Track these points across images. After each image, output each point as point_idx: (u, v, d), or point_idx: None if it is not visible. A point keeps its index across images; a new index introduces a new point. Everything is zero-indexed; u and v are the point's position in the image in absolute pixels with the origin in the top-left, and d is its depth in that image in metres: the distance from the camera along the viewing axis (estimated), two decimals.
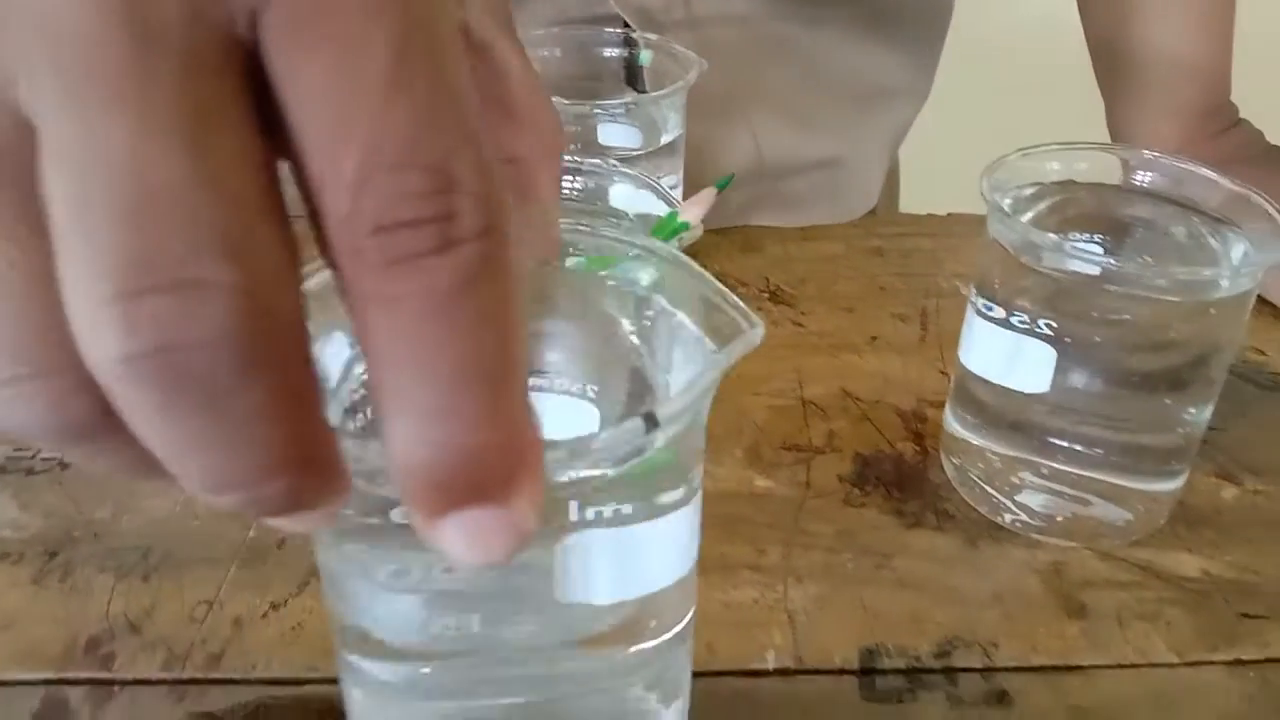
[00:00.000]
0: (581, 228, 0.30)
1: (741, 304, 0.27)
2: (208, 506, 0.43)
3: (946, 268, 0.58)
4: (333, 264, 0.17)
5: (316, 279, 0.22)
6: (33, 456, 0.45)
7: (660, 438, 0.24)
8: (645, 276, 0.30)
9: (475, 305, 0.17)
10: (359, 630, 0.27)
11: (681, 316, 0.29)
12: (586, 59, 0.56)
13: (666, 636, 0.29)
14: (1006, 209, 0.40)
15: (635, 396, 0.30)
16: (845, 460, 0.46)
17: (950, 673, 0.37)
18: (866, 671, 0.37)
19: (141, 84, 0.16)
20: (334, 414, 0.27)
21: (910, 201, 0.79)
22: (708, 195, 0.44)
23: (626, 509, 0.26)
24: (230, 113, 0.17)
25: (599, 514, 0.26)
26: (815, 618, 0.39)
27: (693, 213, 0.41)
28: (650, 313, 0.30)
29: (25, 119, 0.16)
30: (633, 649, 0.29)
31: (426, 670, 0.28)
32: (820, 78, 0.67)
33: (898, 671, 0.37)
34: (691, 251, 0.58)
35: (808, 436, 0.47)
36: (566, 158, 0.42)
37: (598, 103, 0.50)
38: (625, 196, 0.42)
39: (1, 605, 0.39)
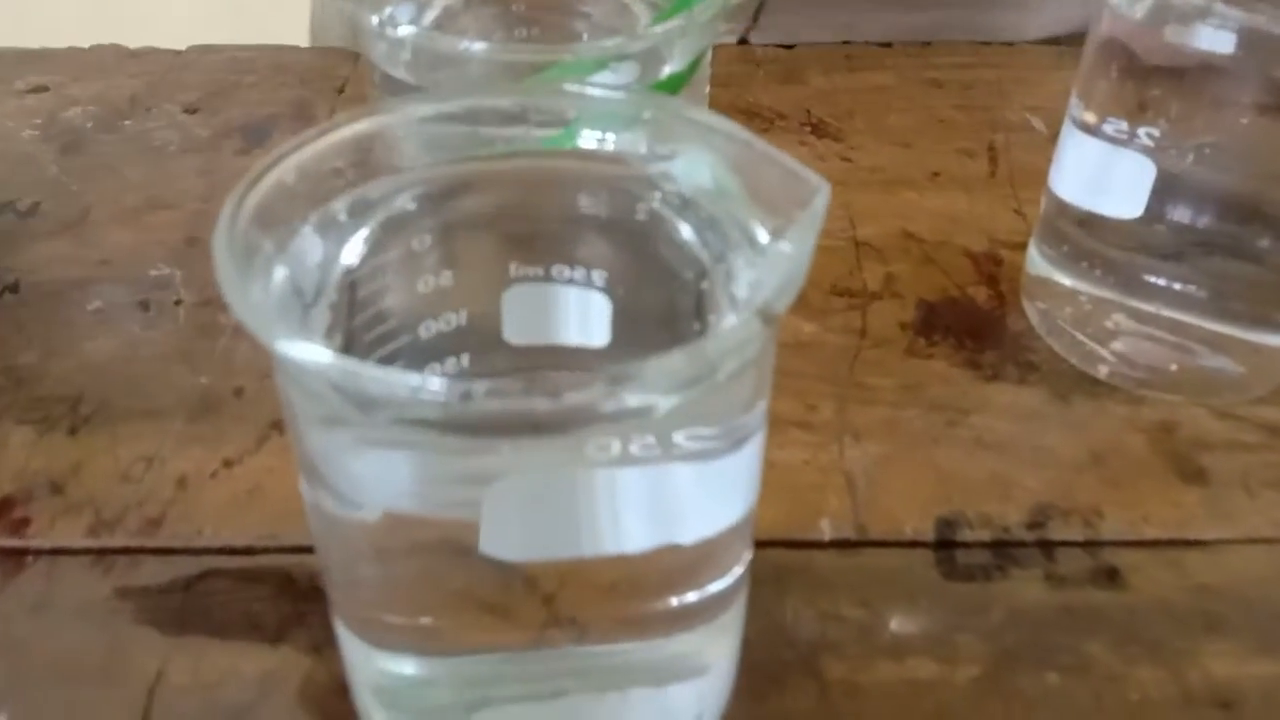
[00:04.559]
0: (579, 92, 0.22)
1: (790, 159, 0.20)
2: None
3: (1015, 100, 0.50)
4: None
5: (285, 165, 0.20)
6: None
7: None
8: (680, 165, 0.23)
9: None
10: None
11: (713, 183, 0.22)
12: None
13: (717, 587, 0.23)
14: None
15: (655, 283, 0.23)
16: (907, 306, 0.39)
17: (1046, 546, 0.31)
18: (944, 544, 0.30)
19: None
20: (311, 334, 0.20)
21: None
22: None
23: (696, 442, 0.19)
24: None
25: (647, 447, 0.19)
26: (878, 482, 0.32)
27: None
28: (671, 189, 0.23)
29: None
30: (675, 601, 0.22)
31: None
32: None
33: (983, 545, 0.31)
34: (725, 58, 0.50)
35: (862, 280, 0.40)
36: None
37: None
38: None
39: None
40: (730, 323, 0.20)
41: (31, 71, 0.51)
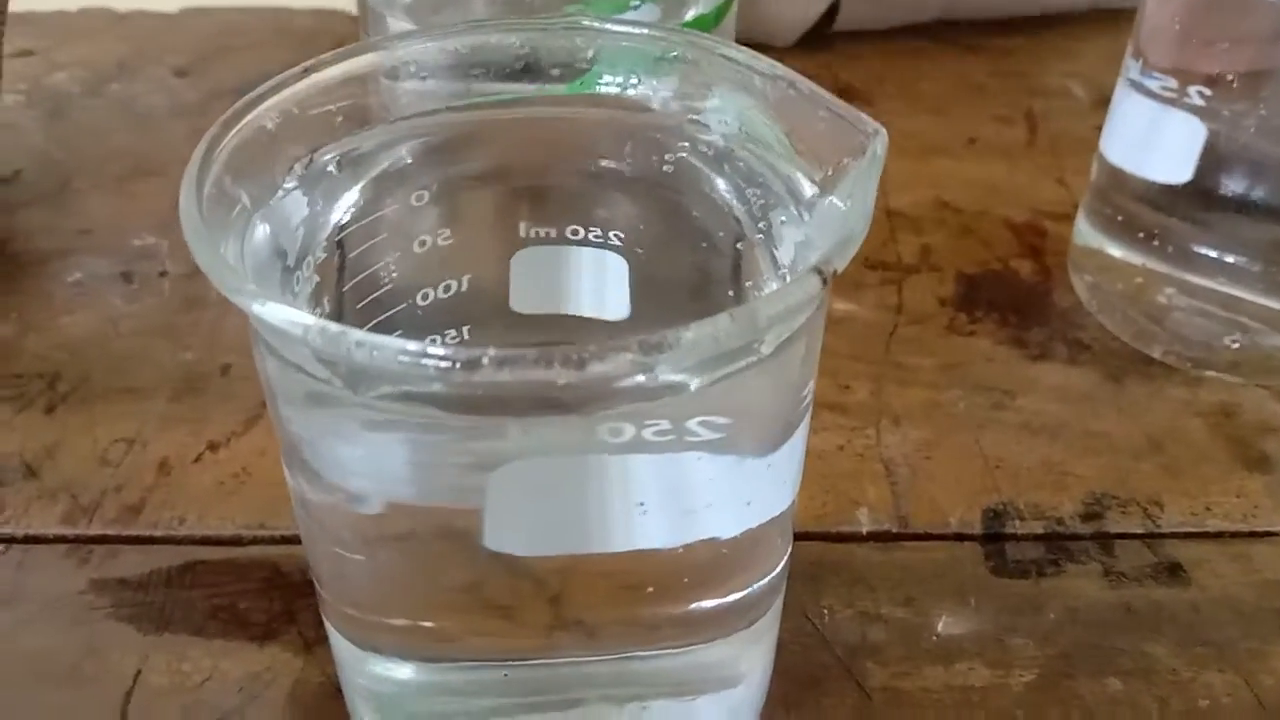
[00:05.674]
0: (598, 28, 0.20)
1: (839, 102, 0.18)
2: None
3: (1052, 66, 0.47)
4: None
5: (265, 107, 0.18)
6: None
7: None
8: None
9: None
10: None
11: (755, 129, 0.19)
12: None
13: (751, 591, 0.20)
14: None
15: (684, 246, 0.21)
16: (946, 280, 0.36)
17: (1104, 539, 0.28)
18: (993, 537, 0.28)
19: None
20: (295, 299, 0.18)
21: None
22: None
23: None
24: None
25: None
26: (920, 469, 0.30)
27: None
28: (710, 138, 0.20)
29: None
30: (701, 605, 0.20)
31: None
32: None
33: (1034, 538, 0.28)
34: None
35: (896, 252, 0.37)
36: None
37: None
38: None
39: None
40: (777, 286, 0.17)
41: (16, 36, 0.49)
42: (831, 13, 0.47)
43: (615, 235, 0.21)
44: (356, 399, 0.16)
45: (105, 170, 0.40)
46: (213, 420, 0.30)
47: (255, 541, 0.27)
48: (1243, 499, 0.29)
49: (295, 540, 0.27)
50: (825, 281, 0.15)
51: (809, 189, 0.18)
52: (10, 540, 0.27)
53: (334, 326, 0.13)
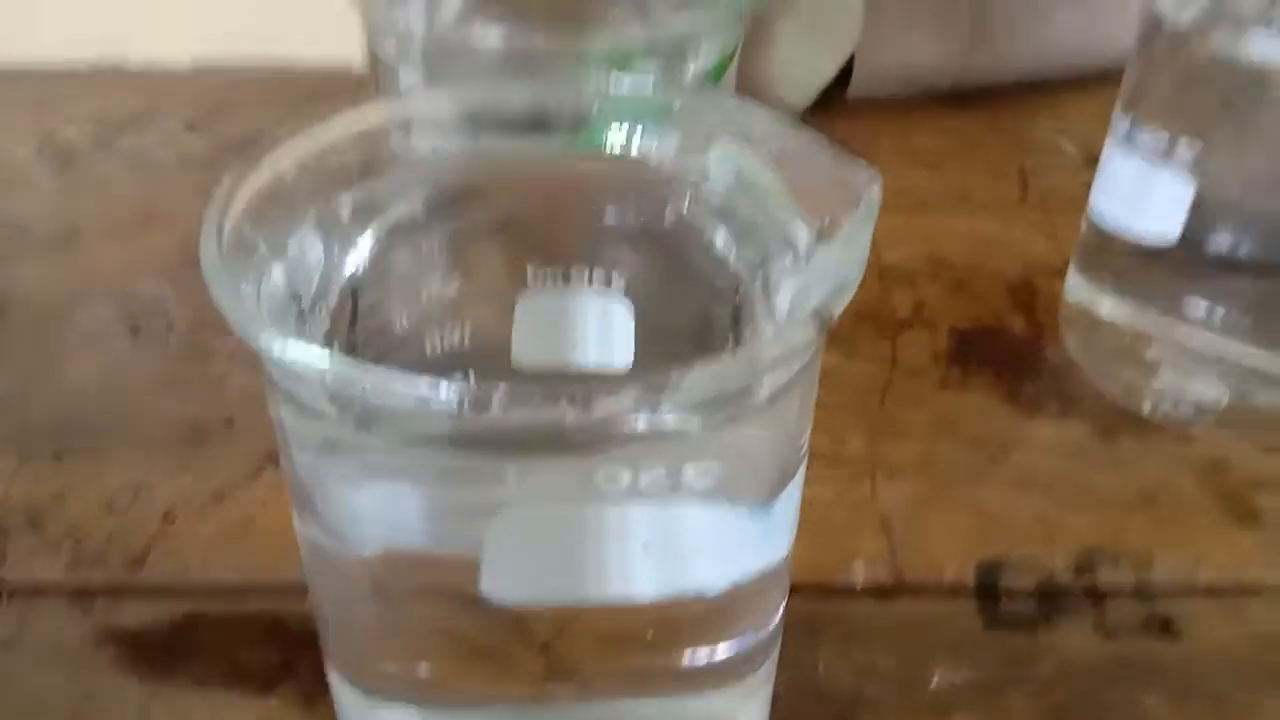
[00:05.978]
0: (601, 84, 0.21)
1: (838, 149, 0.18)
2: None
3: (1043, 122, 0.48)
4: None
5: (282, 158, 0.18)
6: None
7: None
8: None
9: None
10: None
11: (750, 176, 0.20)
12: None
13: (746, 642, 0.20)
14: None
15: (685, 297, 0.22)
16: (939, 335, 0.37)
17: (1095, 594, 0.28)
18: (987, 592, 0.28)
19: None
20: (310, 337, 0.18)
21: None
22: None
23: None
24: None
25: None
26: (915, 522, 0.30)
27: None
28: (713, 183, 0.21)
29: None
30: (697, 656, 0.20)
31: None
32: None
33: (1027, 593, 0.28)
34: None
35: (890, 307, 0.38)
36: None
37: None
38: None
39: None
40: (776, 330, 0.18)
41: (27, 88, 0.50)
42: (844, 81, 0.48)
43: (619, 286, 0.21)
44: (368, 442, 0.16)
45: (113, 222, 0.41)
46: (217, 471, 0.31)
47: (258, 592, 0.27)
48: (1234, 553, 0.30)
49: (298, 591, 0.27)
50: (822, 326, 0.15)
51: (806, 238, 0.19)
52: (15, 589, 0.28)
53: (352, 366, 0.14)
